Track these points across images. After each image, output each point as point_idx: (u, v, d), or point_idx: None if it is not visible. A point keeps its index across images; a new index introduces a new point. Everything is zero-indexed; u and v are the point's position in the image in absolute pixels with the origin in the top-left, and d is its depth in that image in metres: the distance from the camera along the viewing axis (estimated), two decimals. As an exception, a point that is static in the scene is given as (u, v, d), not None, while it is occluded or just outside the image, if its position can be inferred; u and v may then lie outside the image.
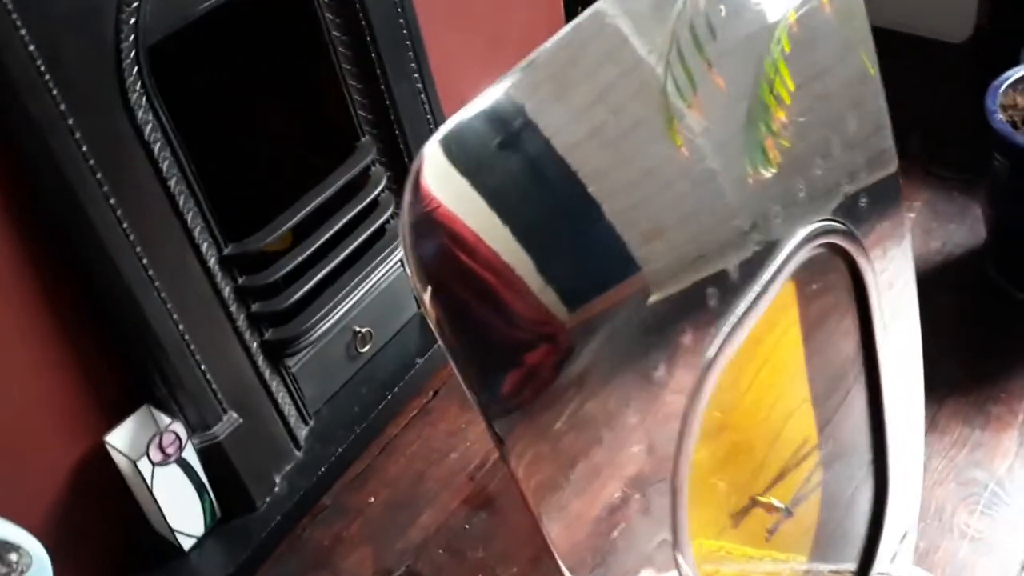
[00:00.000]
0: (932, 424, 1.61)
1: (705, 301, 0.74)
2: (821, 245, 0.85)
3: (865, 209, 0.91)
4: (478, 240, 0.59)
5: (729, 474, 0.90)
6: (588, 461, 0.67)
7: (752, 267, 0.78)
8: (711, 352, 0.74)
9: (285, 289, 1.40)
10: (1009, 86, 1.64)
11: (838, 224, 0.87)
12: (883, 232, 0.96)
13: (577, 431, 0.65)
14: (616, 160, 0.69)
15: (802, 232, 0.82)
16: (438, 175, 0.61)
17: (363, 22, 1.39)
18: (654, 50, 0.71)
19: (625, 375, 0.69)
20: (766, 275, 0.78)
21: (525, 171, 0.63)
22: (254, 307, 1.37)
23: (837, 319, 0.96)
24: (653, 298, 0.69)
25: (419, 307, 1.61)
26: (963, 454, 1.56)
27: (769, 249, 0.79)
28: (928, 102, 2.08)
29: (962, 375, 1.69)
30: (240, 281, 1.34)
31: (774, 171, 0.80)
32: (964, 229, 1.94)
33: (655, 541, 0.75)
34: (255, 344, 1.38)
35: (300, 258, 1.41)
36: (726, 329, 0.75)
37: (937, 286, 1.87)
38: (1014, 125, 1.60)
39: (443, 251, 0.58)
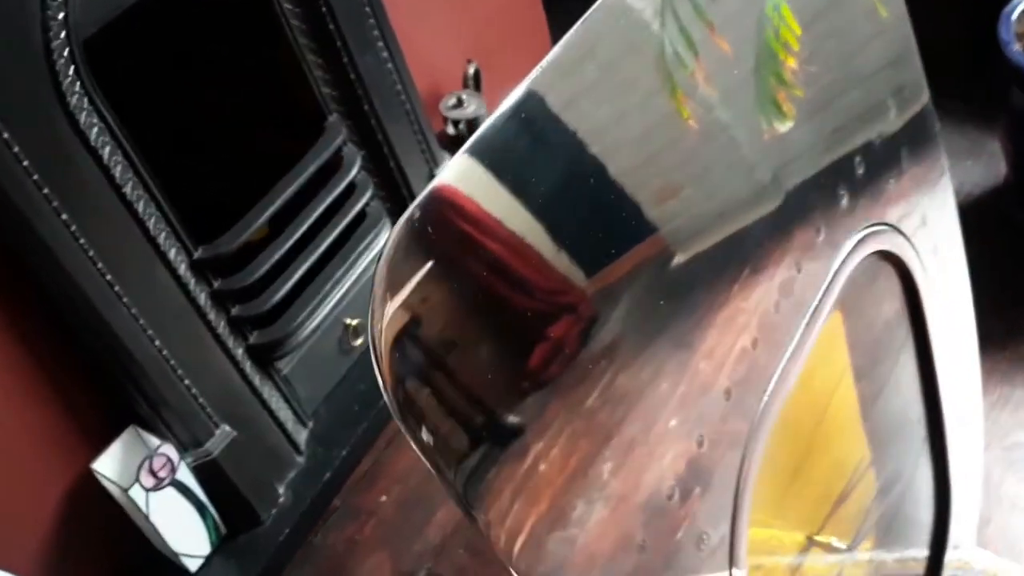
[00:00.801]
0: None
1: (731, 260, 0.72)
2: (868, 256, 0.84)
3: (897, 152, 0.87)
4: (481, 210, 0.57)
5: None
6: (622, 437, 0.65)
7: (776, 222, 0.75)
8: (770, 387, 0.73)
9: (265, 288, 1.33)
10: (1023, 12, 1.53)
11: (882, 227, 0.85)
12: (919, 176, 0.92)
13: (612, 406, 0.63)
14: (616, 117, 0.66)
15: (847, 247, 0.81)
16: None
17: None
18: (652, 9, 0.68)
19: (657, 343, 0.67)
20: (812, 303, 0.77)
21: (521, 134, 0.60)
22: (234, 311, 1.29)
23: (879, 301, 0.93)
24: (677, 260, 0.67)
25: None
26: (1006, 415, 1.50)
27: (792, 204, 0.77)
28: (931, 28, 2.00)
29: (997, 329, 1.64)
30: (216, 285, 1.26)
31: (790, 124, 0.77)
32: (981, 167, 1.84)
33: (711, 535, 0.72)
34: (240, 350, 1.31)
35: (278, 254, 1.33)
36: (781, 365, 0.75)
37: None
38: None
39: (447, 224, 0.55)
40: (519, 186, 0.58)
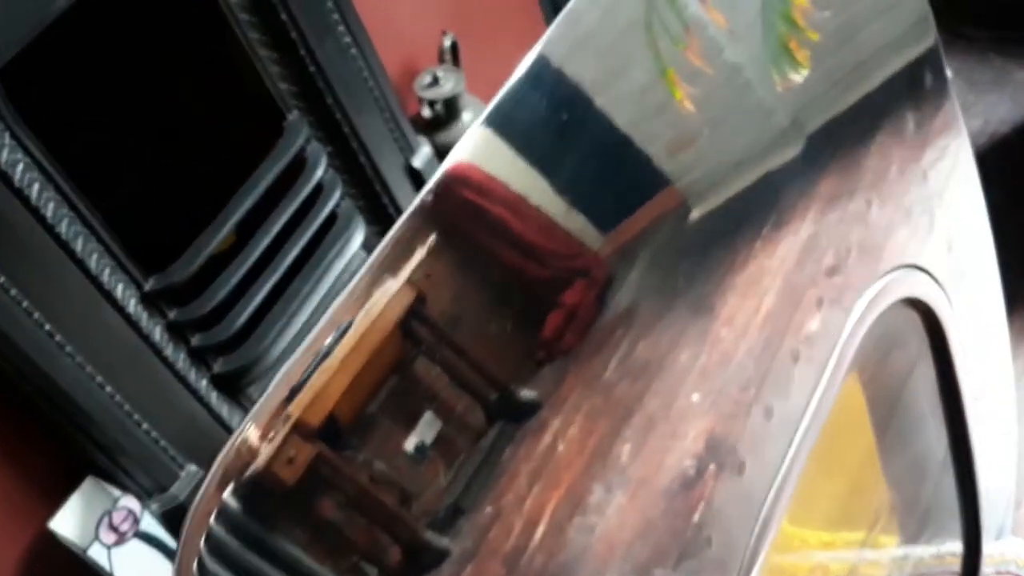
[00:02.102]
0: None
1: (752, 214, 0.70)
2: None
3: (907, 96, 0.83)
4: (486, 176, 0.55)
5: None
6: (644, 412, 0.63)
7: (798, 168, 0.73)
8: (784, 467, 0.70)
9: (228, 312, 1.24)
10: None
11: (901, 271, 0.81)
12: (934, 127, 0.88)
13: (632, 379, 0.61)
14: (617, 68, 0.64)
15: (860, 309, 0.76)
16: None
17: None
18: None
19: (676, 308, 0.65)
20: (828, 369, 0.73)
21: (521, 89, 0.58)
22: (195, 341, 1.21)
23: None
24: (695, 214, 0.65)
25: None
26: (1022, 389, 1.40)
27: (814, 149, 0.74)
28: None
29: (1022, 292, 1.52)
30: (171, 316, 1.18)
31: (805, 72, 0.75)
32: (1006, 100, 1.74)
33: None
34: (204, 382, 1.22)
35: (239, 274, 1.24)
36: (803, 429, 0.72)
37: (985, 177, 1.68)
38: None
39: (452, 195, 0.53)
40: (524, 147, 0.56)
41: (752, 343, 0.72)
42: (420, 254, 0.52)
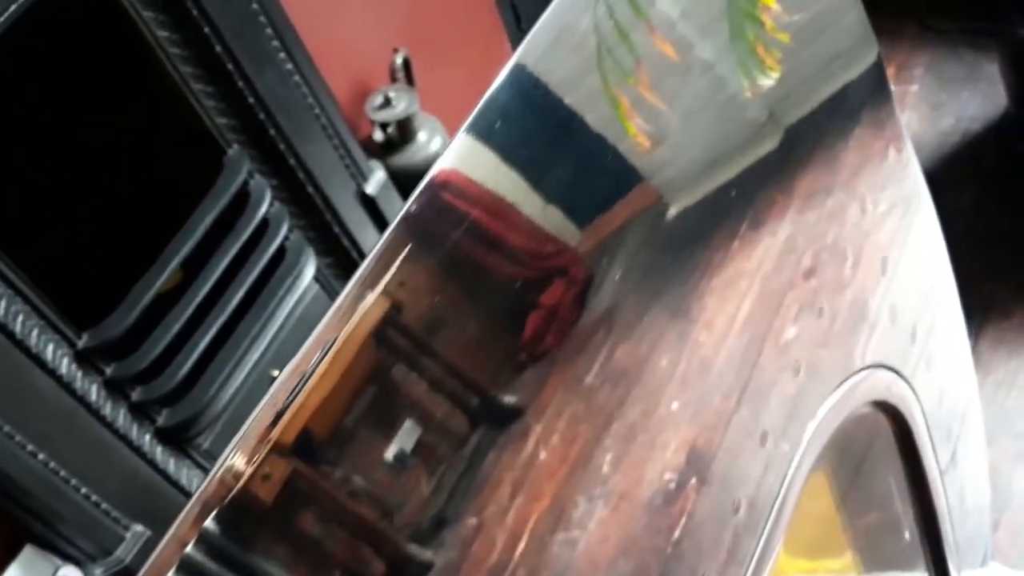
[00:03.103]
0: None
1: (729, 212, 0.70)
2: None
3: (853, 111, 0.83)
4: (460, 176, 0.55)
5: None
6: (625, 420, 0.63)
7: (779, 159, 0.74)
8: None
9: (170, 361, 1.18)
10: None
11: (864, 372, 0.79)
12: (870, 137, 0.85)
13: (611, 384, 0.62)
14: (584, 66, 0.63)
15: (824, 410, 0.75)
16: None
17: (193, 10, 1.12)
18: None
19: (655, 310, 0.65)
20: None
21: (497, 95, 0.57)
22: (135, 395, 1.15)
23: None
24: (672, 211, 0.66)
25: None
26: (1013, 397, 1.36)
27: (791, 143, 0.75)
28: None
29: (1001, 292, 1.48)
30: (109, 372, 1.12)
31: (776, 74, 0.76)
32: (979, 96, 1.69)
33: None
34: (147, 436, 1.17)
35: (182, 317, 1.19)
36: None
37: (958, 177, 1.64)
38: None
39: (426, 198, 0.53)
40: (499, 146, 0.56)
41: (732, 350, 0.72)
42: (396, 262, 0.52)
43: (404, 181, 1.47)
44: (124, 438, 1.14)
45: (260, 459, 0.47)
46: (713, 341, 0.70)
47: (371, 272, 0.50)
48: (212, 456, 1.27)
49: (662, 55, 0.69)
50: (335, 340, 0.50)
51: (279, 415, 0.48)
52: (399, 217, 0.52)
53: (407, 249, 0.51)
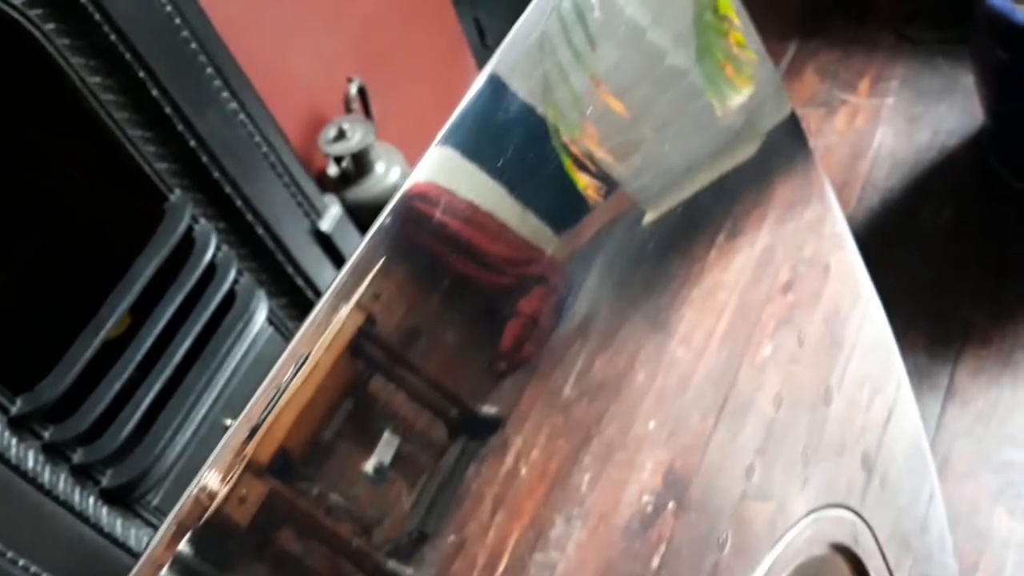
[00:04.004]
0: (949, 392, 1.37)
1: (706, 221, 0.71)
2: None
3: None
4: (435, 187, 0.55)
5: None
6: (602, 437, 0.62)
7: (752, 172, 0.75)
8: None
9: (114, 419, 1.14)
10: None
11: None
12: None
13: (590, 397, 0.62)
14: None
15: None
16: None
17: (126, 54, 1.07)
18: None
19: (633, 320, 0.65)
20: None
21: (476, 107, 0.58)
22: (77, 458, 1.11)
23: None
24: (649, 218, 0.66)
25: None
26: (992, 429, 1.33)
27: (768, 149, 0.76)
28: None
29: (980, 316, 1.44)
30: (47, 436, 1.08)
31: (749, 91, 0.77)
32: (956, 110, 1.66)
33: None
34: (91, 499, 1.13)
35: (125, 373, 1.15)
36: None
37: (935, 195, 1.59)
38: None
39: (400, 209, 0.53)
40: (474, 155, 0.57)
41: (710, 367, 0.71)
42: (371, 274, 0.52)
43: (362, 215, 1.43)
44: (65, 504, 1.10)
45: (235, 478, 0.47)
46: (691, 357, 0.70)
47: (345, 285, 0.50)
48: (163, 513, 1.23)
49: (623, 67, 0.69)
50: (308, 354, 0.49)
51: (253, 431, 0.47)
52: (374, 228, 0.51)
53: (382, 261, 0.51)
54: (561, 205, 0.62)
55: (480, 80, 0.58)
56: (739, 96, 0.78)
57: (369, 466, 0.51)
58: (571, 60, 0.66)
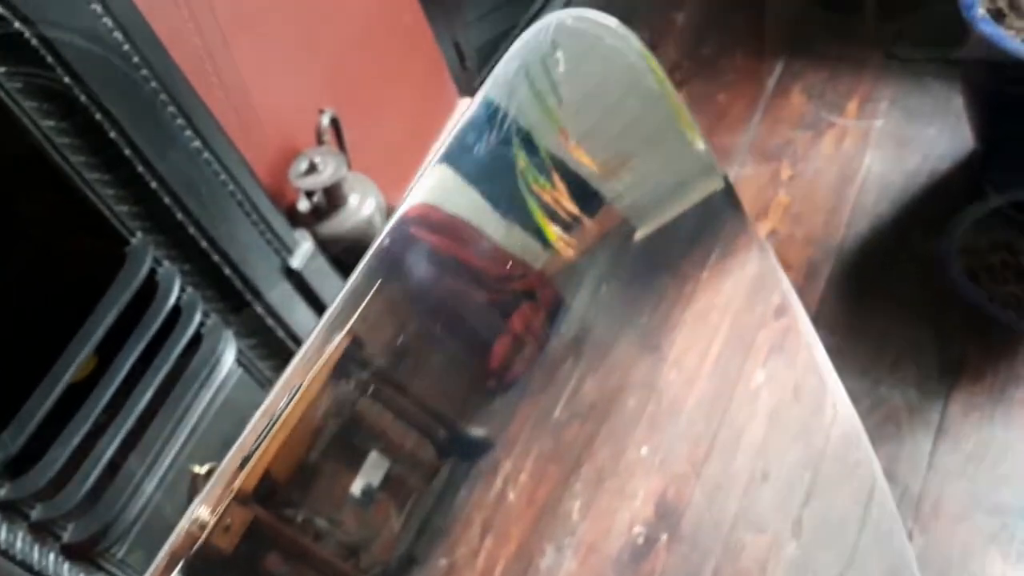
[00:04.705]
0: (940, 430, 1.33)
1: (702, 236, 0.71)
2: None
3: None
4: (426, 206, 0.55)
5: None
6: (593, 463, 0.61)
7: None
8: None
9: (76, 470, 1.10)
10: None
11: None
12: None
13: (581, 420, 0.60)
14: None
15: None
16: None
17: (81, 96, 1.03)
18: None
19: (624, 340, 0.64)
20: None
21: (465, 128, 0.58)
22: (35, 514, 1.07)
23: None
24: (640, 235, 0.66)
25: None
26: (984, 469, 1.29)
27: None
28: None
29: (973, 352, 1.41)
30: (3, 494, 1.04)
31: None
32: (947, 132, 1.60)
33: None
34: (51, 556, 1.09)
35: (86, 423, 1.11)
36: None
37: (925, 223, 1.55)
38: (998, 14, 1.26)
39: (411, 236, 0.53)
40: (460, 169, 0.56)
41: (702, 392, 0.69)
42: (366, 299, 0.51)
43: (336, 250, 1.39)
44: (23, 563, 1.06)
45: (223, 508, 0.47)
46: (683, 380, 0.69)
47: (339, 315, 0.50)
48: (129, 566, 1.19)
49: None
50: (300, 385, 0.48)
51: (244, 461, 0.47)
52: (371, 251, 0.51)
53: (378, 283, 0.51)
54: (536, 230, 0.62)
55: (475, 103, 0.58)
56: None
57: (357, 488, 0.51)
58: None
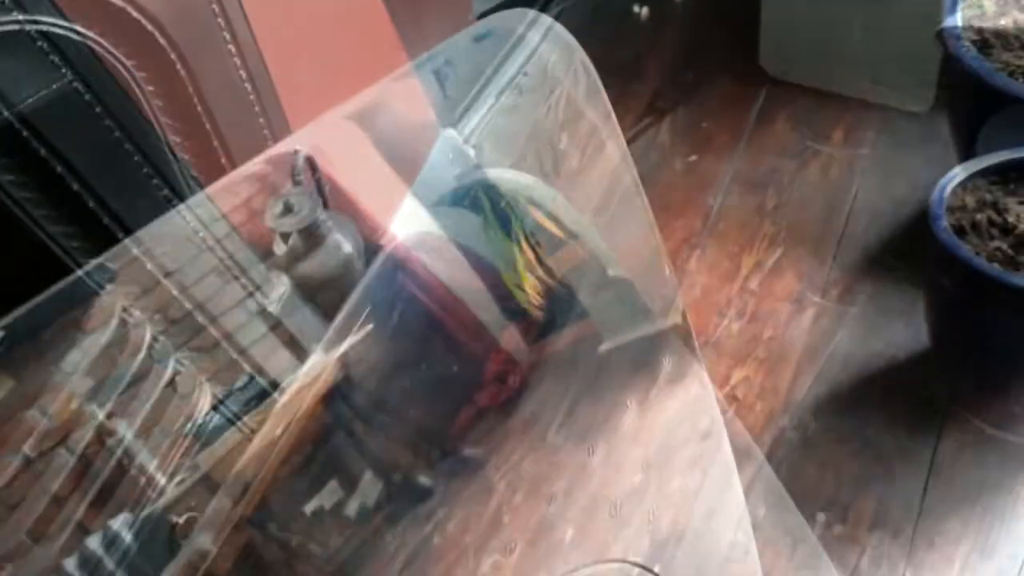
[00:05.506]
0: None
1: (655, 359, 0.78)
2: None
3: None
4: (433, 277, 0.66)
5: None
6: (513, 529, 0.68)
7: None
8: None
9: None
10: (958, 184, 1.40)
11: None
12: None
13: (513, 490, 0.68)
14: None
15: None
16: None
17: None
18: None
19: (566, 433, 0.72)
20: None
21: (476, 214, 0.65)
22: (2, 576, 1.04)
23: None
24: (604, 346, 0.74)
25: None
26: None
27: None
28: (882, 181, 1.76)
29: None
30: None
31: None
32: (911, 331, 1.64)
33: None
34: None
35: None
36: None
37: (873, 399, 1.56)
38: (961, 230, 1.35)
39: (399, 286, 0.58)
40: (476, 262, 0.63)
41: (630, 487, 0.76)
42: (355, 338, 0.59)
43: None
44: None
45: (185, 486, 0.52)
46: (612, 476, 0.75)
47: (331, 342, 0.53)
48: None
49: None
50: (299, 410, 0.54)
51: (245, 489, 0.52)
52: (360, 285, 0.55)
53: (368, 327, 0.59)
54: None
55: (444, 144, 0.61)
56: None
57: (310, 508, 0.59)
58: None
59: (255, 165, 1.35)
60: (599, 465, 0.74)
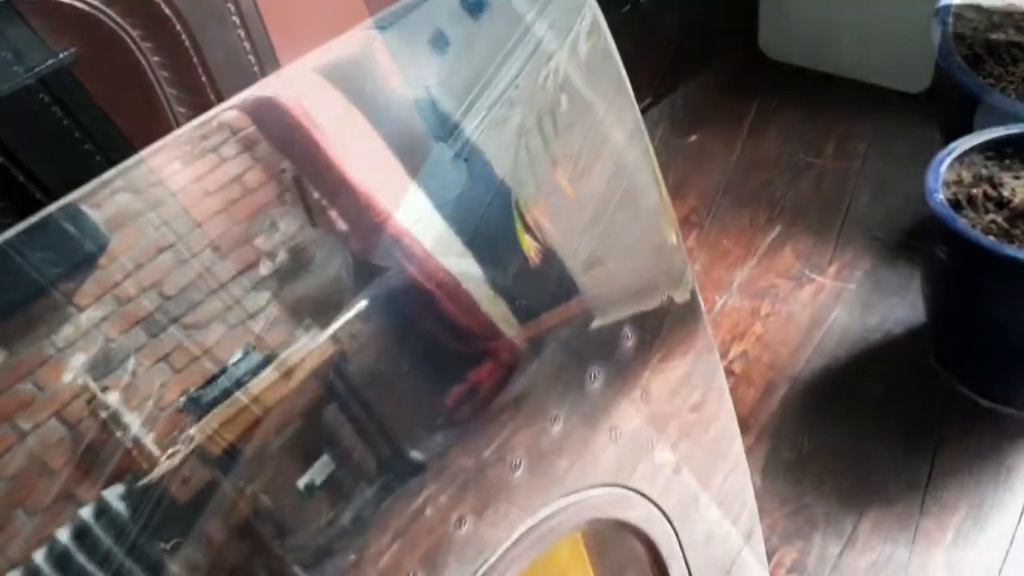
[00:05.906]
0: (851, 539, 1.39)
1: (658, 336, 0.79)
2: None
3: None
4: (425, 252, 0.61)
5: None
6: (507, 500, 0.67)
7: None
8: None
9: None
10: (956, 159, 1.44)
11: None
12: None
13: (503, 466, 0.67)
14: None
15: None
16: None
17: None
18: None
19: (556, 403, 0.70)
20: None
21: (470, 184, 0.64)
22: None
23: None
24: (595, 324, 0.72)
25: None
26: None
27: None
28: (880, 158, 1.92)
29: (890, 480, 1.48)
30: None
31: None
32: (906, 305, 1.74)
33: None
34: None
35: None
36: None
37: (870, 371, 1.66)
38: (957, 204, 1.40)
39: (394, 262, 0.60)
40: (463, 232, 0.62)
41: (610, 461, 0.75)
42: (350, 315, 0.61)
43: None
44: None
45: (178, 458, 0.53)
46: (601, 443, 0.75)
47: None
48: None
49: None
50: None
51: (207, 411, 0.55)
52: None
53: (363, 305, 0.60)
54: (516, 279, 0.68)
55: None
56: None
57: (302, 482, 0.56)
58: (539, 144, 0.71)
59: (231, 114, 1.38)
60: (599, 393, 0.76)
